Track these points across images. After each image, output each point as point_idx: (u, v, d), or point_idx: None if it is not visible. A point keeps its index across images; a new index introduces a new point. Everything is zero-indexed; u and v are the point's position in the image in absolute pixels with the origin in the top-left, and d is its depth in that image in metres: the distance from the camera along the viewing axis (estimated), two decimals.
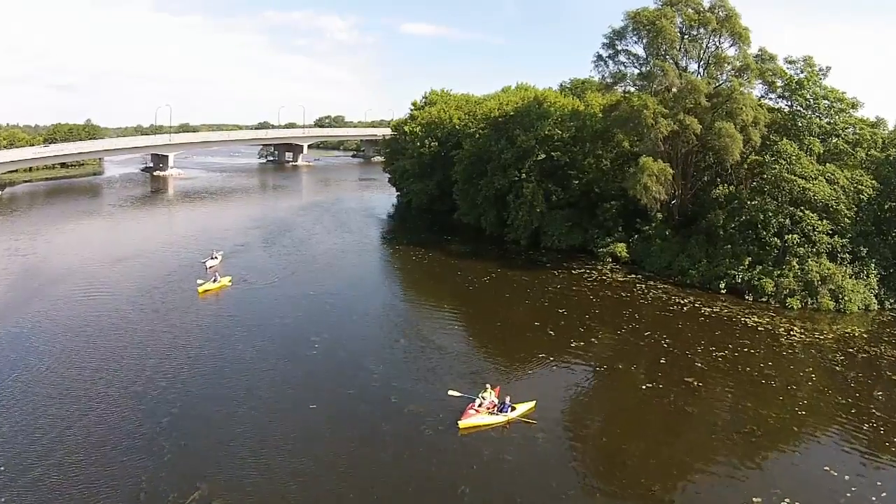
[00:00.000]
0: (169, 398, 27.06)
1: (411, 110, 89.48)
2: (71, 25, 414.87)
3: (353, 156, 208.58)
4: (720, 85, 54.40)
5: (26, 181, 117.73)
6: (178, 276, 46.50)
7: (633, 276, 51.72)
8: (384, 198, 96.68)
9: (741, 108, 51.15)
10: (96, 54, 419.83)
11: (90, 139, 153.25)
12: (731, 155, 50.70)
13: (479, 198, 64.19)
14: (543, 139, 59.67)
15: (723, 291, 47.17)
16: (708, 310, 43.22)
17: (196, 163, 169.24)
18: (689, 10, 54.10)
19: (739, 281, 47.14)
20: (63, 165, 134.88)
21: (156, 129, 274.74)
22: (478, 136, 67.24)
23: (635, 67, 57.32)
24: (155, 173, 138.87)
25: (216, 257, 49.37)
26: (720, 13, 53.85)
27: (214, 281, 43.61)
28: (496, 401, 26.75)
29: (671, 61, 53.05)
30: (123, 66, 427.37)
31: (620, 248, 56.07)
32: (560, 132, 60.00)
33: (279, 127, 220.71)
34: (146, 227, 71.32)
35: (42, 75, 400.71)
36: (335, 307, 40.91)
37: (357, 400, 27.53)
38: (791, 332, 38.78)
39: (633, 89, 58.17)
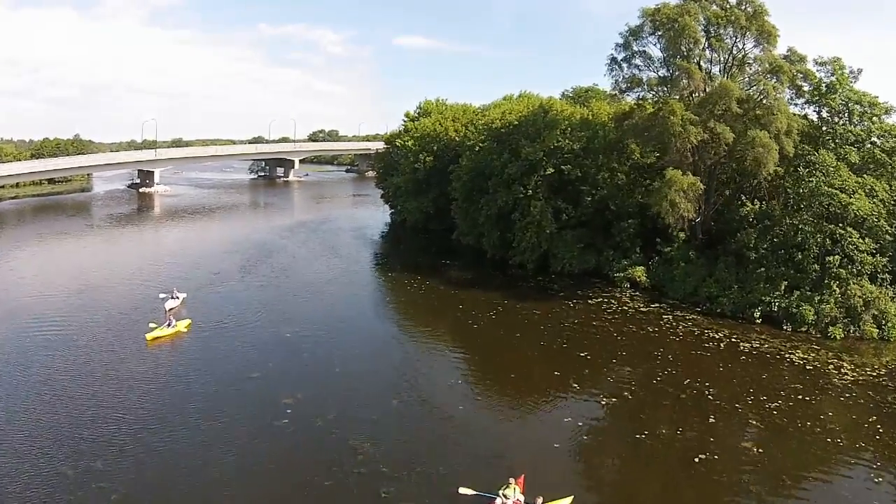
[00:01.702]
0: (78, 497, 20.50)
1: (404, 122, 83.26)
2: (65, 39, 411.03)
3: (347, 170, 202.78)
4: (751, 89, 48.48)
5: (12, 198, 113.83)
6: (132, 317, 39.89)
7: (657, 305, 45.87)
8: (377, 215, 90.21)
9: (775, 115, 45.24)
10: (90, 68, 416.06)
11: (78, 154, 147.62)
12: (765, 167, 44.80)
13: (481, 217, 57.92)
14: (551, 151, 53.59)
15: (758, 321, 41.88)
16: (747, 345, 37.87)
17: (185, 178, 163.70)
18: (714, 6, 48.34)
19: (776, 309, 42.15)
20: (51, 181, 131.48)
21: (149, 144, 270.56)
22: (478, 148, 61.05)
23: (652, 71, 51.43)
24: (141, 190, 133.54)
25: (177, 297, 42.40)
26: (747, 9, 48.03)
27: (169, 325, 36.94)
28: (522, 499, 20.43)
29: (695, 63, 46.97)
30: (117, 80, 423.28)
31: (639, 273, 50.18)
32: (570, 143, 53.85)
33: (271, 141, 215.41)
34: (118, 251, 64.59)
35: (37, 89, 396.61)
36: (315, 356, 34.28)
37: (336, 495, 21.12)
38: (842, 370, 34.30)
39: (649, 96, 52.30)
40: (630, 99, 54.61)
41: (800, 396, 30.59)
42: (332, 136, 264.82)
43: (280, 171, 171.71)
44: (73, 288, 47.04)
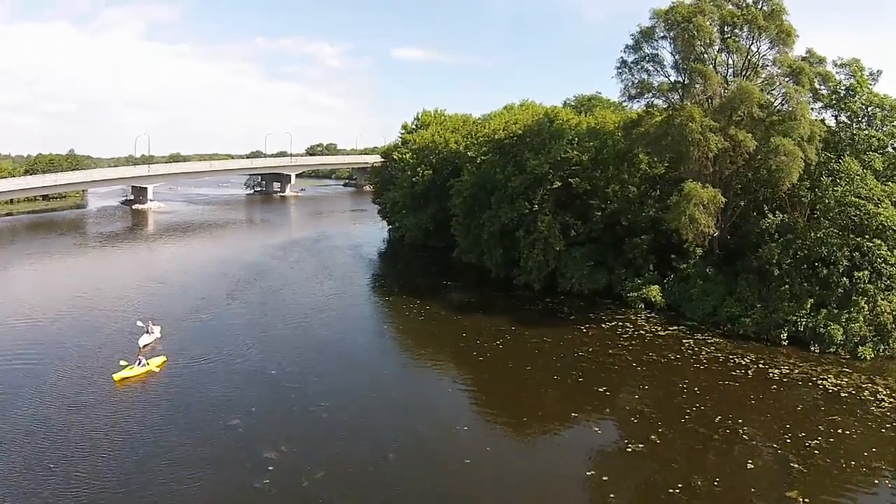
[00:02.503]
0: None
1: (401, 134, 79.79)
2: (62, 53, 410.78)
3: (345, 185, 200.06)
4: (771, 92, 45.18)
5: (6, 214, 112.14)
6: (105, 351, 36.16)
7: (675, 327, 42.47)
8: (374, 232, 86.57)
9: (798, 121, 41.91)
10: (88, 82, 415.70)
11: (72, 170, 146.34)
12: (789, 176, 41.39)
13: (483, 234, 54.40)
14: (558, 163, 50.20)
15: (784, 343, 38.89)
16: (776, 371, 34.78)
17: (181, 194, 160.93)
18: (729, 5, 45.11)
19: (802, 329, 39.12)
20: (45, 197, 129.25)
21: (146, 160, 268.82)
22: (479, 160, 57.66)
23: (662, 75, 48.13)
24: (134, 207, 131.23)
25: (151, 331, 38.52)
26: (764, 8, 44.80)
27: (140, 364, 33.31)
28: None
29: (711, 66, 43.61)
30: (115, 94, 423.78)
31: (654, 292, 46.82)
32: (578, 154, 50.43)
33: (269, 156, 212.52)
34: (102, 274, 60.76)
35: (34, 103, 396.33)
36: (303, 398, 30.49)
37: None
38: (878, 396, 31.69)
39: (658, 102, 49.02)
40: (638, 106, 51.52)
41: (839, 430, 27.68)
42: (330, 149, 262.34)
43: (276, 186, 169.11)
44: (48, 316, 43.61)
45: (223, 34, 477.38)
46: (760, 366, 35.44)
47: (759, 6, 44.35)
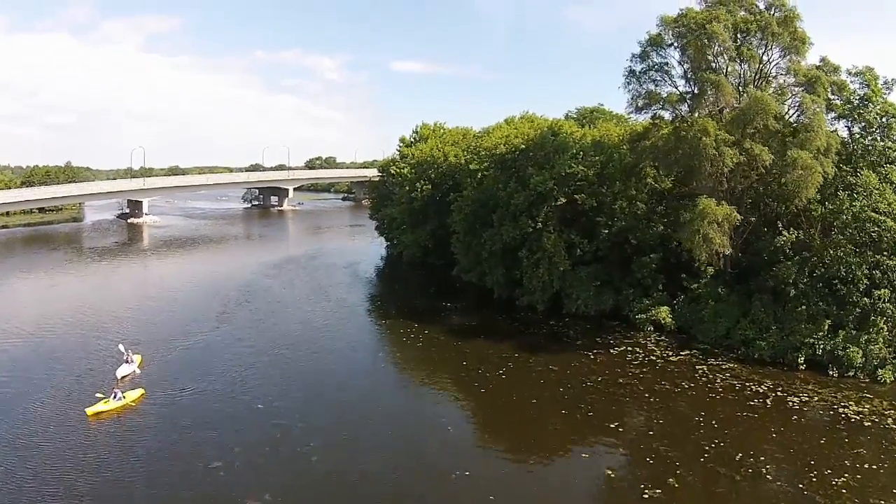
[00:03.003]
0: None
1: (399, 148, 77.55)
2: (62, 64, 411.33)
3: (343, 198, 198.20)
4: (784, 102, 43.09)
5: (2, 227, 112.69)
6: (84, 381, 33.89)
7: (687, 352, 40.14)
8: (372, 249, 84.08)
9: (815, 132, 39.79)
10: (88, 94, 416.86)
11: (70, 182, 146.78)
12: (806, 191, 39.25)
13: (485, 252, 52.06)
14: (563, 179, 47.93)
15: (802, 367, 36.87)
16: (795, 400, 32.73)
17: (178, 208, 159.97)
18: (742, 11, 43.06)
19: (820, 352, 37.14)
20: (41, 210, 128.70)
21: (145, 172, 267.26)
22: (480, 175, 55.40)
23: (670, 85, 46.00)
24: (129, 220, 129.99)
25: (131, 360, 36.13)
26: (777, 14, 42.77)
27: (116, 398, 30.96)
28: None
29: (723, 76, 41.41)
30: (115, 106, 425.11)
31: (664, 314, 44.62)
32: (584, 169, 48.17)
33: (267, 169, 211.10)
34: (88, 294, 58.01)
35: (33, 114, 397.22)
36: (290, 438, 27.96)
37: None
38: None
39: (665, 114, 46.86)
40: (643, 118, 49.42)
41: (866, 465, 25.90)
42: (329, 162, 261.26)
43: (274, 199, 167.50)
44: (26, 340, 41.83)
45: (223, 47, 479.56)
46: (779, 393, 33.35)
47: (773, 12, 42.33)
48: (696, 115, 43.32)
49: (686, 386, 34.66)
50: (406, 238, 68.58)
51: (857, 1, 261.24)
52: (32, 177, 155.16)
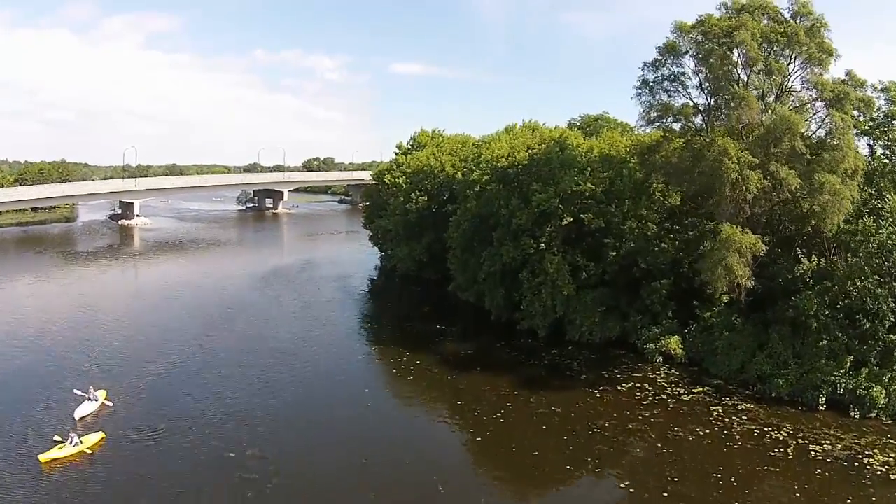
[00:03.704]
0: None
1: (396, 154, 73.96)
2: (63, 61, 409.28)
3: (340, 201, 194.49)
4: (811, 119, 39.77)
5: None
6: (43, 420, 30.46)
7: (700, 388, 36.90)
8: (365, 259, 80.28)
9: (843, 153, 36.49)
10: (88, 91, 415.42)
11: (63, 179, 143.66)
12: (831, 217, 35.92)
13: (483, 273, 48.60)
14: (569, 197, 44.51)
15: (822, 407, 34.18)
16: (817, 448, 29.71)
17: (171, 209, 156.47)
18: (765, 19, 39.69)
19: (841, 391, 34.38)
20: (34, 209, 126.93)
21: (142, 170, 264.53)
22: (478, 188, 51.84)
23: (683, 96, 42.67)
24: (120, 222, 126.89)
25: (94, 398, 32.50)
26: (804, 23, 39.39)
27: (72, 443, 27.55)
28: None
29: (751, 89, 37.92)
30: (115, 103, 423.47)
31: (674, 344, 41.40)
32: (592, 187, 44.74)
33: (265, 168, 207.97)
34: (62, 308, 54.15)
35: (34, 111, 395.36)
36: (262, 495, 24.50)
37: None
38: None
39: (676, 126, 43.46)
40: (651, 128, 46.15)
41: None
42: (328, 163, 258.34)
43: (269, 202, 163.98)
44: None
45: (222, 46, 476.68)
46: (800, 441, 30.35)
47: (799, 21, 38.95)
48: (711, 129, 40.28)
49: (701, 433, 31.34)
50: (400, 251, 65.07)
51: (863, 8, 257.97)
52: (26, 174, 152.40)
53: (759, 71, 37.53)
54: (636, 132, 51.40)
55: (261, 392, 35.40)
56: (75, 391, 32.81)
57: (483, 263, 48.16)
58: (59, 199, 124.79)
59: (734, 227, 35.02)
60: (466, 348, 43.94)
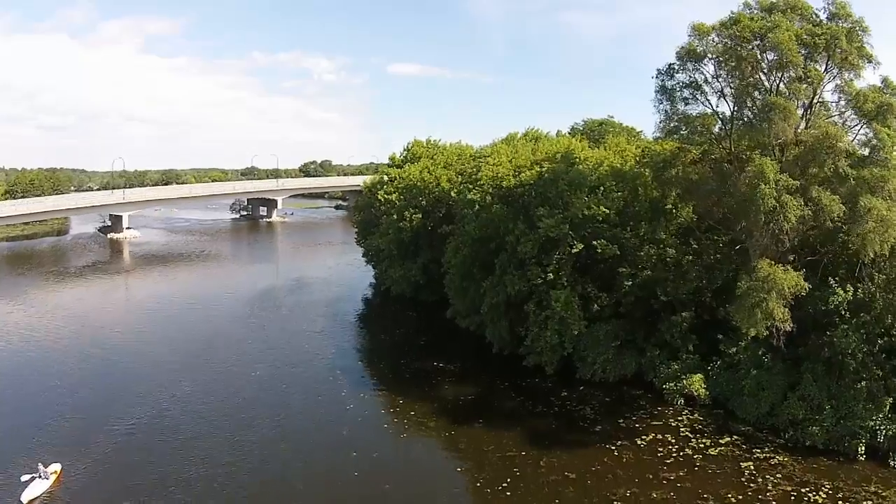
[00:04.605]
0: None
1: (388, 167, 69.12)
2: (60, 66, 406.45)
3: (337, 207, 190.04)
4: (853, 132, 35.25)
5: None
6: None
7: (728, 438, 32.95)
8: (359, 277, 75.21)
9: (889, 172, 32.04)
10: (85, 96, 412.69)
11: (55, 189, 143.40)
12: (873, 246, 31.33)
13: (485, 305, 44.05)
14: (580, 222, 39.99)
15: (861, 457, 30.78)
16: None
17: (164, 220, 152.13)
18: (799, 20, 35.15)
19: (881, 438, 31.07)
20: (25, 222, 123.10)
21: (139, 175, 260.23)
22: (477, 207, 47.08)
23: (704, 105, 38.09)
24: (109, 235, 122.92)
25: (45, 476, 27.82)
26: (843, 24, 34.83)
27: None
28: None
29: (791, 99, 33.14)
30: (113, 107, 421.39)
31: (696, 383, 37.26)
32: (606, 210, 40.17)
33: (262, 171, 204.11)
34: (29, 343, 49.90)
35: (32, 116, 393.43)
36: None
37: None
38: None
39: (696, 138, 38.89)
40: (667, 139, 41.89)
41: None
42: (325, 166, 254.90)
43: (263, 210, 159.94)
44: None
45: (220, 48, 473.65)
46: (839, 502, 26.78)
47: (838, 23, 34.38)
48: (733, 142, 35.90)
49: (734, 500, 27.01)
50: (394, 272, 60.39)
51: None
52: (17, 185, 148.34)
53: (794, 78, 32.77)
54: (643, 137, 46.91)
55: (228, 463, 30.45)
56: (22, 478, 27.66)
57: (485, 294, 43.67)
58: (42, 214, 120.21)
59: (772, 263, 30.32)
60: (467, 392, 39.26)
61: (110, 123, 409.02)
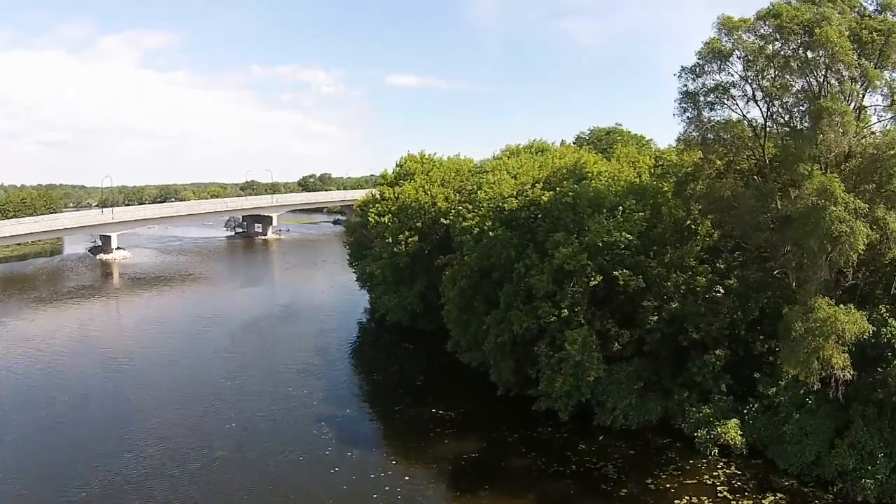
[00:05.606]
0: None
1: (380, 186, 63.91)
2: (58, 81, 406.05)
3: (335, 222, 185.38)
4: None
5: None
6: None
7: (770, 496, 28.57)
8: (353, 301, 70.05)
9: None
10: (84, 111, 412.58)
11: (48, 208, 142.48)
12: None
13: (488, 343, 39.09)
14: (598, 249, 34.90)
15: None
16: None
17: (156, 238, 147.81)
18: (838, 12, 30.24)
19: None
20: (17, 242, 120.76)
21: (139, 191, 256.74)
22: (477, 230, 42.00)
23: (733, 109, 33.17)
24: (99, 256, 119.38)
25: None
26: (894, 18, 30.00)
27: None
28: None
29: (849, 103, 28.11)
30: (111, 122, 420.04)
31: (731, 430, 32.50)
32: (629, 237, 35.07)
33: (258, 188, 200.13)
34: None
35: (30, 131, 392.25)
36: None
37: None
38: None
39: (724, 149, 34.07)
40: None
41: None
42: (324, 180, 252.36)
43: (258, 227, 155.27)
44: None
45: (218, 62, 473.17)
46: None
47: (891, 16, 29.52)
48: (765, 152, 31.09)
49: None
50: (389, 300, 55.37)
51: None
52: (8, 204, 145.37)
53: (852, 79, 27.79)
54: (654, 146, 42.09)
55: None
56: None
57: (489, 330, 38.65)
58: (29, 236, 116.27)
59: (835, 305, 25.20)
60: (470, 448, 33.89)
61: (109, 138, 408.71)
